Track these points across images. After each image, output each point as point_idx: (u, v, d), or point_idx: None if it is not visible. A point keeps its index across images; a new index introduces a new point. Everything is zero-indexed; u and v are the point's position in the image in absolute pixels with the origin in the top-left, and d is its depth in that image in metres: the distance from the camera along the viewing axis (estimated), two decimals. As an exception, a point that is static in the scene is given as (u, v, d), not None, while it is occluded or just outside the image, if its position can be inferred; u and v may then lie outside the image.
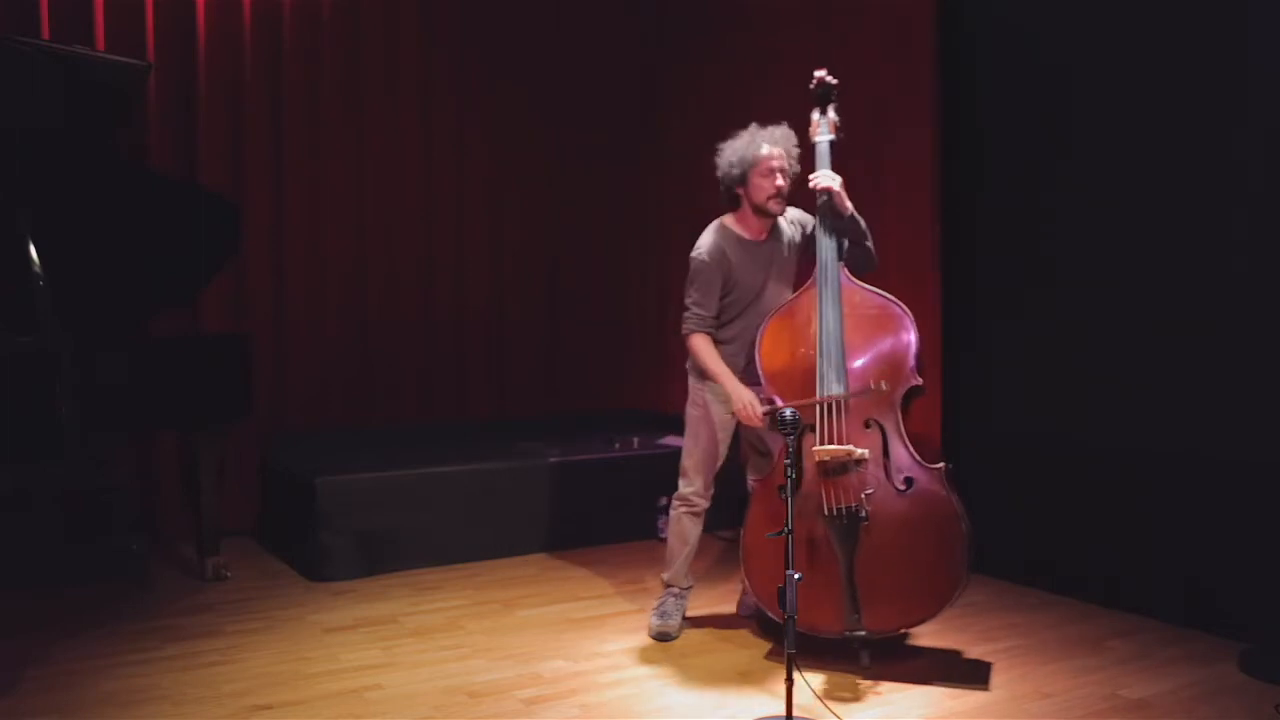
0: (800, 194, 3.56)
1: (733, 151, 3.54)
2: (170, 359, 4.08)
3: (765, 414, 3.40)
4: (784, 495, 2.87)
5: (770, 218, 3.58)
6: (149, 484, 4.93)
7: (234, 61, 5.08)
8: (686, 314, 3.60)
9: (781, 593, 2.69)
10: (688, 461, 3.69)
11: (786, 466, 2.90)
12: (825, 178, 3.44)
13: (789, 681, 2.65)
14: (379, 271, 5.56)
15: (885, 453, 3.28)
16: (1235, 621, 3.56)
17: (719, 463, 3.69)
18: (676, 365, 3.98)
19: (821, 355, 3.34)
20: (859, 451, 3.25)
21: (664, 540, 3.87)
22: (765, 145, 3.50)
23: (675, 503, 3.73)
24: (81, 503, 4.59)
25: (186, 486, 4.83)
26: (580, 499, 4.93)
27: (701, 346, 3.57)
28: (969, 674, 3.31)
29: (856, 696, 3.12)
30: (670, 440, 5.18)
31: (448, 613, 3.93)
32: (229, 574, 4.31)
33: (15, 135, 3.74)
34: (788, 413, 2.96)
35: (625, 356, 6.33)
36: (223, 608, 3.95)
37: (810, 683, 3.07)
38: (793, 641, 2.63)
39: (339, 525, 4.36)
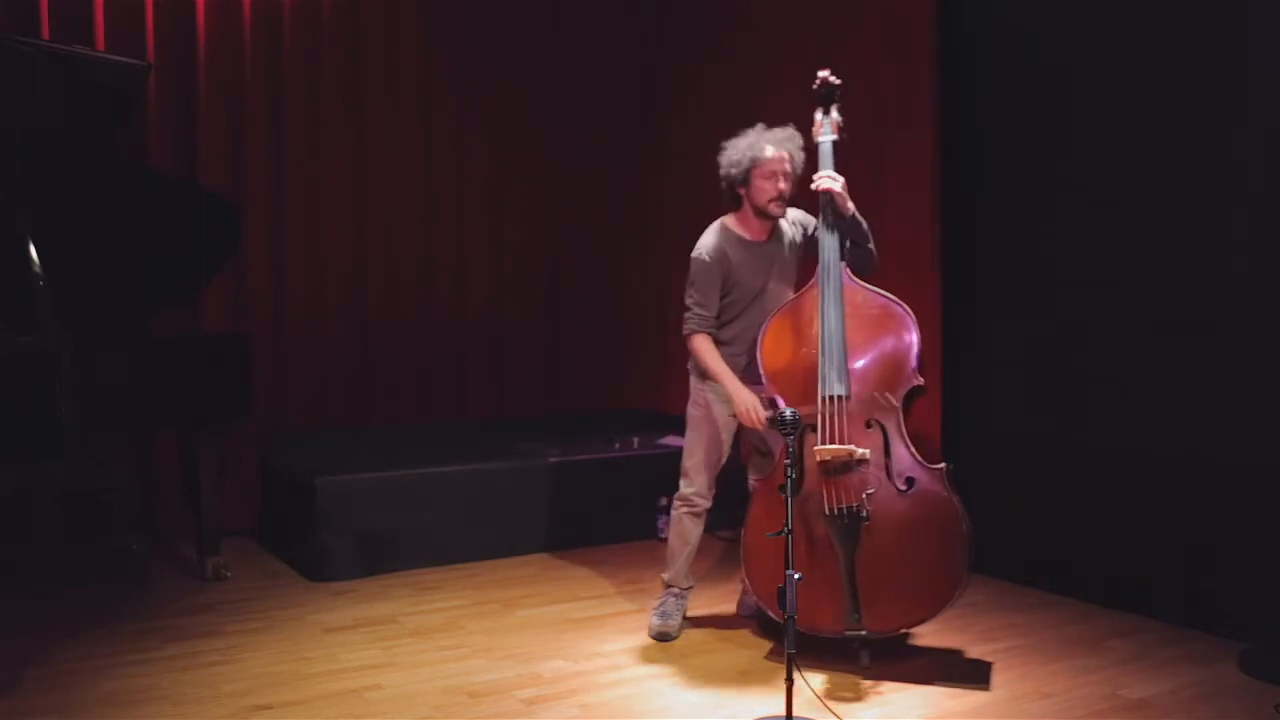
0: (802, 194, 3.56)
1: (736, 150, 3.53)
2: (170, 359, 4.08)
3: (768, 418, 3.40)
4: (784, 495, 2.87)
5: (771, 220, 3.58)
6: (149, 484, 4.93)
7: (234, 61, 5.08)
8: (687, 314, 3.60)
9: (782, 592, 2.69)
10: (689, 462, 3.69)
11: (786, 466, 2.90)
12: (828, 178, 3.44)
13: (789, 681, 2.65)
14: (379, 271, 5.56)
15: (887, 452, 3.29)
16: (1235, 621, 3.56)
17: (721, 463, 3.69)
18: (676, 365, 3.98)
19: (823, 355, 3.33)
20: (860, 451, 3.25)
21: (664, 540, 3.88)
22: (770, 147, 3.48)
23: (676, 503, 3.73)
24: (81, 503, 4.60)
25: (186, 486, 4.83)
26: (580, 499, 4.92)
27: (703, 347, 3.57)
28: (969, 674, 3.31)
29: (856, 696, 3.12)
30: (670, 440, 5.18)
31: (448, 613, 3.93)
32: (229, 574, 4.31)
33: (15, 135, 3.74)
34: (788, 412, 2.95)
35: (625, 356, 6.33)
36: (223, 608, 3.95)
37: (810, 683, 3.07)
38: (793, 641, 2.64)
39: (339, 525, 4.36)
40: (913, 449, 3.28)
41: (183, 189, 4.62)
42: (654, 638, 3.64)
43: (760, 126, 3.56)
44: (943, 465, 3.26)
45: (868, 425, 3.30)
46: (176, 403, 4.07)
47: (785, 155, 3.49)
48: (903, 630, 3.41)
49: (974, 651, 3.51)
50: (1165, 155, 3.77)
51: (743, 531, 3.44)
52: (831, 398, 3.30)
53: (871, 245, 3.52)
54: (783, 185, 3.49)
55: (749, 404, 3.46)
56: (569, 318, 6.24)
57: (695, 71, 5.78)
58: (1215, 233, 3.66)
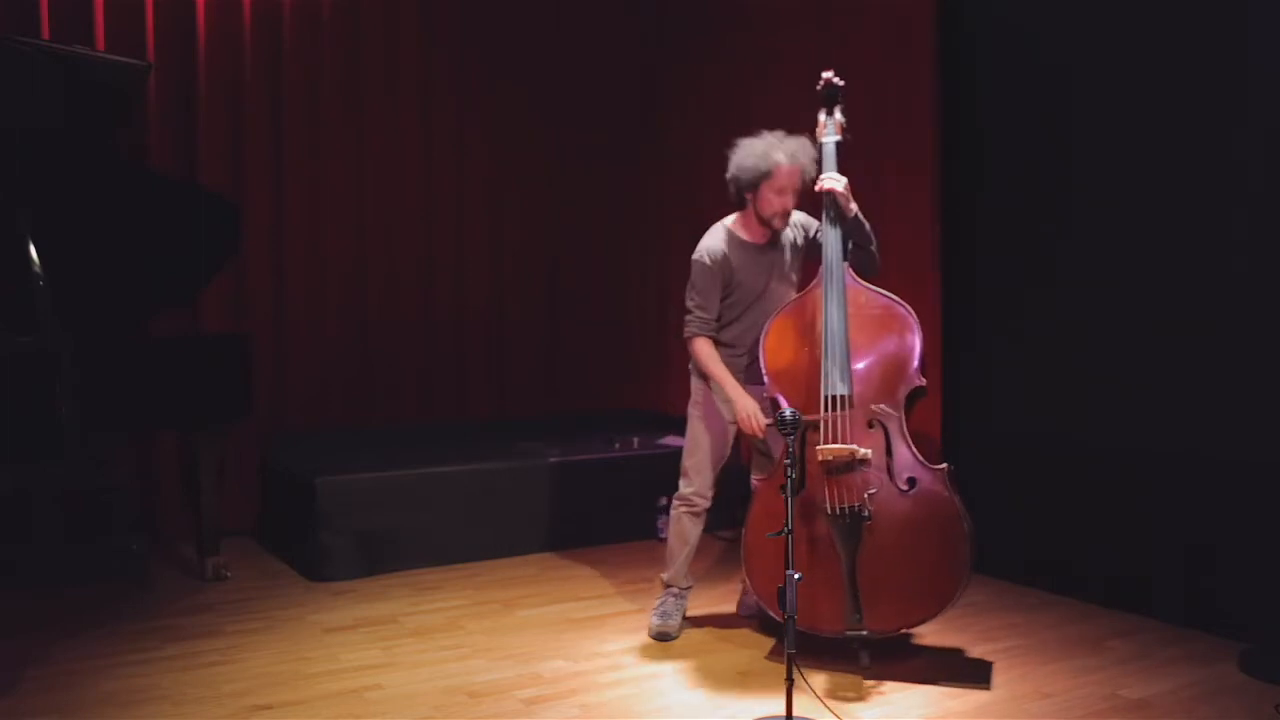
0: (805, 195, 3.54)
1: (750, 155, 3.44)
2: (170, 359, 4.08)
3: (767, 426, 3.39)
4: (785, 494, 2.87)
5: (773, 230, 3.57)
6: (149, 484, 4.93)
7: (234, 61, 5.08)
8: (688, 317, 3.59)
9: (782, 592, 2.69)
10: (689, 461, 3.69)
11: (787, 466, 2.90)
12: (831, 179, 3.43)
13: (789, 681, 2.64)
14: (379, 271, 5.56)
15: (888, 452, 3.29)
16: (1235, 621, 3.56)
17: (721, 463, 3.69)
18: (676, 365, 3.98)
19: (826, 354, 3.33)
20: (862, 451, 3.25)
21: (664, 540, 3.87)
22: (785, 162, 3.40)
23: (676, 503, 3.73)
24: (81, 503, 4.59)
25: (186, 486, 4.83)
26: (580, 499, 4.92)
27: (704, 350, 3.57)
28: (969, 674, 3.31)
29: (857, 696, 3.12)
30: (670, 440, 5.18)
31: (448, 613, 3.93)
32: (229, 574, 4.31)
33: (15, 135, 3.74)
34: (788, 412, 2.95)
35: (625, 356, 6.33)
36: (223, 608, 3.95)
37: (811, 683, 3.07)
38: (793, 641, 2.63)
39: (339, 525, 4.36)
40: (914, 449, 3.28)
41: (183, 189, 4.62)
42: (654, 638, 3.63)
43: (780, 134, 3.46)
44: (944, 465, 3.27)
45: (870, 425, 3.30)
46: (176, 403, 4.07)
47: (798, 170, 3.43)
48: (903, 630, 3.41)
49: (974, 651, 3.51)
50: (1165, 155, 3.78)
51: (743, 531, 3.44)
52: (834, 397, 3.31)
53: (874, 247, 3.52)
54: (790, 201, 3.47)
55: (749, 411, 3.45)
56: (569, 318, 6.24)
57: (695, 71, 5.78)
58: (1215, 233, 3.66)
